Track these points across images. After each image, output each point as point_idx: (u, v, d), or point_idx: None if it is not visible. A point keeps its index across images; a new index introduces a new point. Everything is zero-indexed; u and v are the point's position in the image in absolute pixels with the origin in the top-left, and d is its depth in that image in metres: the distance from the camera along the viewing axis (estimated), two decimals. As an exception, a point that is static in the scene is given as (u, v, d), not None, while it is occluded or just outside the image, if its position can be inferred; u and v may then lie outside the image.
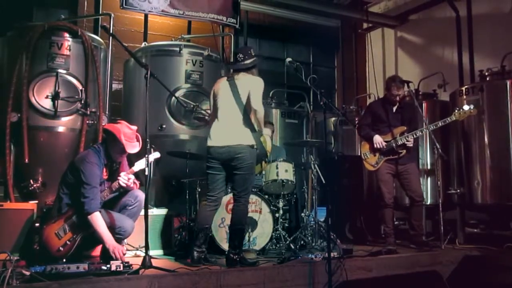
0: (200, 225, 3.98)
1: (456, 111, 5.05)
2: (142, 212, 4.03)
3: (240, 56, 4.01)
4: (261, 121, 3.92)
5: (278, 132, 6.69)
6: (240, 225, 3.91)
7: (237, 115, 3.89)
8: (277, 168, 5.07)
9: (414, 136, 4.95)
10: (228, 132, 3.89)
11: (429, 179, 5.97)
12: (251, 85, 3.89)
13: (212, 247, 4.60)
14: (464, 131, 5.62)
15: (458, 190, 5.58)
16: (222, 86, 4.02)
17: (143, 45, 6.17)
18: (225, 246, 4.41)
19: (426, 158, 6.01)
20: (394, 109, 5.10)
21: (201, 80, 5.55)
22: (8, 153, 4.67)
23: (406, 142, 4.92)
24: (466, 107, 5.03)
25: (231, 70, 4.14)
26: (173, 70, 5.53)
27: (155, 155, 4.08)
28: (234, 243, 3.88)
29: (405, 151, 4.96)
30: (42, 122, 4.78)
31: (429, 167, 5.97)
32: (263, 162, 3.98)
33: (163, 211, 4.87)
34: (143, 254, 3.58)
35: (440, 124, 5.04)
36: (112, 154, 3.92)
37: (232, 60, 4.20)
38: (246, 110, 3.88)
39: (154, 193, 5.50)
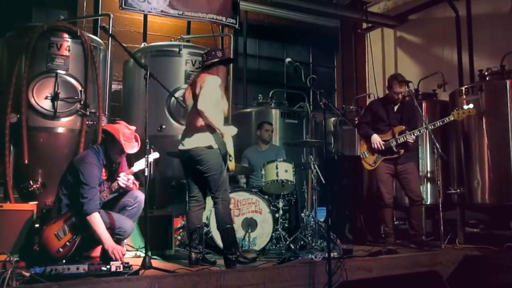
0: (191, 226, 4.02)
1: (455, 110, 5.05)
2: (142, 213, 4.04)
3: (204, 57, 4.05)
4: (211, 121, 3.81)
5: (278, 132, 6.70)
6: (226, 224, 3.89)
7: (194, 117, 3.92)
8: (276, 168, 5.07)
9: (413, 135, 4.94)
10: (188, 136, 3.96)
11: (429, 179, 5.97)
12: (201, 84, 3.87)
13: (212, 247, 4.61)
14: (464, 131, 5.62)
15: (458, 190, 5.58)
16: (188, 90, 4.11)
17: (142, 45, 6.16)
18: (224, 246, 4.41)
19: (426, 158, 6.01)
20: (395, 108, 5.10)
21: (201, 80, 5.55)
22: (7, 154, 4.66)
23: (408, 140, 4.91)
24: (465, 107, 5.03)
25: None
26: (173, 70, 5.53)
27: (154, 155, 4.07)
28: (227, 243, 3.89)
29: (403, 150, 4.96)
30: (41, 123, 4.77)
31: (429, 167, 5.98)
32: (228, 162, 3.94)
33: (163, 212, 4.86)
34: (143, 255, 3.57)
35: (438, 124, 5.04)
36: (111, 155, 3.92)
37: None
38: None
39: (154, 194, 5.49)
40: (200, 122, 3.89)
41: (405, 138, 4.92)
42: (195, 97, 3.89)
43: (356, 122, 5.97)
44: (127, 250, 4.12)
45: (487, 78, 5.58)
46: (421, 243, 4.96)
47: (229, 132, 3.94)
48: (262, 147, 5.92)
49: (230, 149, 3.91)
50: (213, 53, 4.04)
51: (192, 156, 3.90)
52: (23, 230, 4.16)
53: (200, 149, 3.87)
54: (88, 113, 4.90)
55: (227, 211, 3.96)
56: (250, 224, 4.76)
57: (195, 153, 3.88)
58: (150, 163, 3.76)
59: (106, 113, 5.14)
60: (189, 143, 3.93)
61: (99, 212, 3.69)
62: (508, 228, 5.17)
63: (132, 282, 3.20)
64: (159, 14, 6.54)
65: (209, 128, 3.88)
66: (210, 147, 3.87)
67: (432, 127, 5.02)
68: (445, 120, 5.03)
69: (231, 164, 3.93)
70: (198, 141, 3.90)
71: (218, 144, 3.89)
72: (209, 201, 4.95)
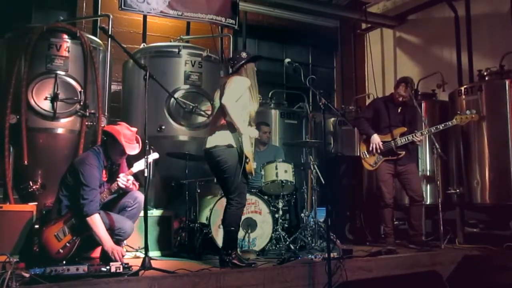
0: (227, 226, 3.90)
1: (457, 115, 5.06)
2: (142, 214, 4.04)
3: (231, 62, 4.04)
4: (233, 118, 3.74)
5: (278, 133, 6.69)
6: (230, 227, 3.83)
7: (218, 116, 3.91)
8: (276, 168, 5.07)
9: (413, 137, 4.95)
10: (210, 134, 3.93)
11: (428, 179, 5.97)
12: (229, 84, 3.85)
13: (212, 248, 4.61)
14: (463, 131, 5.62)
15: (458, 190, 5.58)
16: (216, 92, 4.08)
17: (142, 46, 6.17)
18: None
19: (426, 158, 6.02)
20: (399, 110, 5.11)
21: (200, 81, 5.55)
22: (7, 155, 4.66)
23: (414, 139, 4.92)
24: (467, 112, 5.06)
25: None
26: (172, 71, 5.53)
27: (153, 156, 4.07)
28: (226, 244, 3.85)
29: (404, 152, 4.97)
30: (41, 123, 4.77)
31: (428, 167, 5.98)
32: (246, 165, 3.83)
33: (162, 212, 4.87)
34: (143, 256, 3.57)
35: (441, 128, 5.07)
36: (112, 156, 3.92)
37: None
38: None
39: (154, 194, 5.49)
40: (222, 120, 3.85)
41: (407, 140, 4.93)
42: (222, 96, 3.84)
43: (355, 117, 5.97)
44: (126, 251, 4.12)
45: (486, 78, 5.59)
46: (421, 243, 4.97)
47: (249, 133, 3.87)
48: (261, 148, 5.92)
49: (248, 151, 3.83)
50: (238, 55, 4.01)
51: (213, 156, 3.85)
52: (23, 231, 4.16)
53: (220, 148, 3.82)
54: (87, 114, 4.90)
55: (238, 214, 3.89)
56: (249, 225, 4.76)
57: (216, 153, 3.83)
58: (150, 164, 3.75)
59: (106, 114, 5.14)
60: (210, 142, 3.88)
61: (99, 213, 3.69)
62: (507, 228, 5.17)
63: (132, 283, 3.19)
64: (158, 14, 6.54)
65: (230, 126, 3.82)
66: (230, 146, 3.81)
67: (435, 130, 5.03)
68: (448, 124, 5.05)
69: (248, 167, 3.84)
70: (219, 139, 3.84)
71: (236, 144, 3.83)
72: (210, 202, 4.95)
